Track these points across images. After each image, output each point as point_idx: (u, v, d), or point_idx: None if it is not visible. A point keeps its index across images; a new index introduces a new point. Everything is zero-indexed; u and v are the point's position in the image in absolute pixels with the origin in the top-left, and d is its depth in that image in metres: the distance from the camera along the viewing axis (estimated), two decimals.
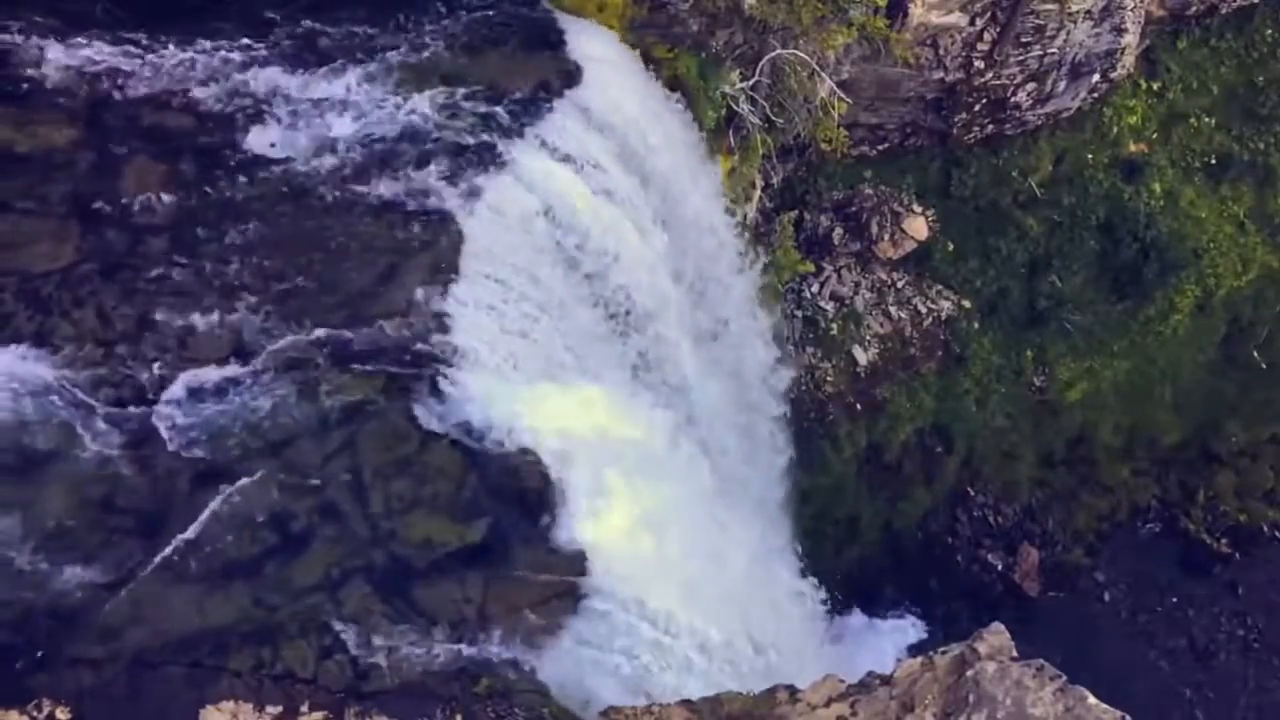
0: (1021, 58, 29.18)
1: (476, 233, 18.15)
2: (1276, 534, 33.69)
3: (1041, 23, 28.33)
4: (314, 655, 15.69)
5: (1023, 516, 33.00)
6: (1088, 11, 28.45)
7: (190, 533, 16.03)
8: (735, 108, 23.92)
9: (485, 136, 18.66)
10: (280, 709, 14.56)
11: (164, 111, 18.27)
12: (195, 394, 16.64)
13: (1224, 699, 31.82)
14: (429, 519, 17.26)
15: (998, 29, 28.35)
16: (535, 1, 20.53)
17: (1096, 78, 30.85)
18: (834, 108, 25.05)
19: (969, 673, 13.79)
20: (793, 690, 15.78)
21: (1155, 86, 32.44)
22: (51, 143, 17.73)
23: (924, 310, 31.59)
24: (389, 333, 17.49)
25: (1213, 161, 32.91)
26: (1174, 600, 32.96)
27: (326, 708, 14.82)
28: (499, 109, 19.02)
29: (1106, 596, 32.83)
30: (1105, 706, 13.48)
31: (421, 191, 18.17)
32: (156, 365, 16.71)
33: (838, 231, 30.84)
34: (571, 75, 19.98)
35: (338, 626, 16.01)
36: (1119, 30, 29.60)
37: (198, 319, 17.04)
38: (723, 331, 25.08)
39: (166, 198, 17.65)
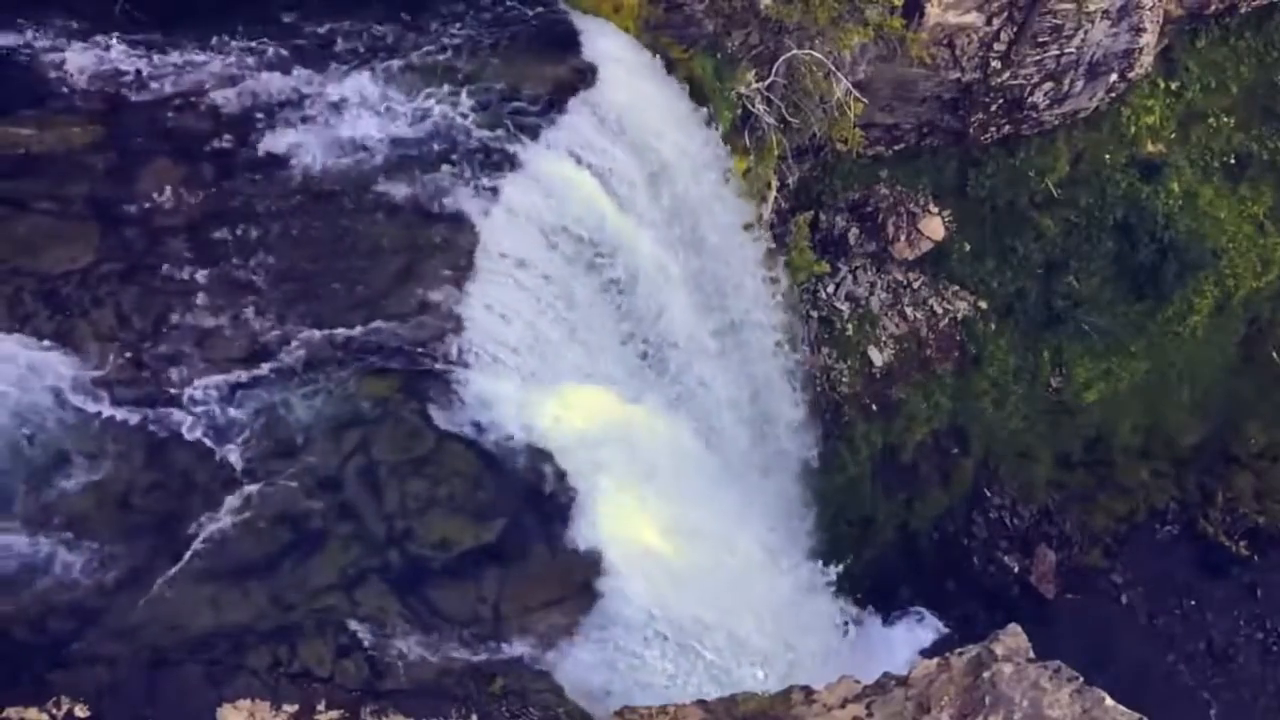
0: (1039, 57, 29.04)
1: (492, 234, 18.19)
2: None
3: (1059, 22, 28.20)
4: (330, 654, 15.76)
5: (1039, 518, 32.86)
6: (1105, 11, 28.31)
7: (208, 532, 16.12)
8: (751, 108, 23.90)
9: (501, 137, 18.69)
10: (297, 707, 14.63)
11: (183, 113, 18.36)
12: (212, 394, 16.71)
13: (1242, 702, 31.64)
14: (445, 519, 17.31)
15: (1015, 29, 28.23)
16: (552, 1, 20.55)
17: (1114, 77, 30.68)
18: (850, 108, 24.96)
19: (986, 674, 13.77)
20: (808, 691, 15.76)
21: (1174, 86, 32.21)
22: (71, 144, 17.83)
23: (940, 311, 31.49)
24: (405, 333, 17.55)
25: (1232, 161, 32.68)
26: (1192, 602, 32.77)
27: (343, 706, 14.88)
28: (515, 110, 19.05)
29: (1124, 598, 32.67)
30: (1123, 709, 13.44)
31: (437, 192, 18.21)
32: (174, 366, 16.79)
33: (853, 232, 30.78)
34: (587, 76, 19.99)
35: (354, 625, 16.07)
36: (1137, 30, 29.43)
37: (215, 319, 17.13)
38: (738, 331, 25.06)
39: (185, 199, 17.75)
